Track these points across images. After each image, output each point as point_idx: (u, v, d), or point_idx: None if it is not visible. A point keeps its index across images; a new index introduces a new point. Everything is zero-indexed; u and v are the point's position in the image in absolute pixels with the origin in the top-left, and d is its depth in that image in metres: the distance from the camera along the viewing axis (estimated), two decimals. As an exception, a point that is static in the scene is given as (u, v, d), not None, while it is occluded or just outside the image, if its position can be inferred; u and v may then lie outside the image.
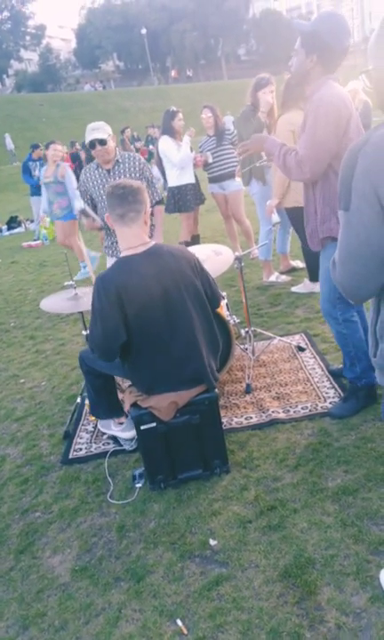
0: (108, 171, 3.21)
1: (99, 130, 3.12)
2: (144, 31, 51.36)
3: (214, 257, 2.92)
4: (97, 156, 3.17)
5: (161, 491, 2.38)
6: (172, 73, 54.19)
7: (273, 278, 4.75)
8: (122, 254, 2.18)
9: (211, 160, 5.18)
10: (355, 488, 2.13)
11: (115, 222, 2.14)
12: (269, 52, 51.44)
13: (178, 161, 5.03)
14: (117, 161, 3.22)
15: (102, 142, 3.10)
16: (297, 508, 2.10)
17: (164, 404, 2.20)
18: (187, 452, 2.34)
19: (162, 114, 5.25)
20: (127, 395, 2.37)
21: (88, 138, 3.13)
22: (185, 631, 1.71)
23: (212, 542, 2.04)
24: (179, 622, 1.75)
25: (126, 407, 2.34)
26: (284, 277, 4.77)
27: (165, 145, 5.05)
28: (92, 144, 3.11)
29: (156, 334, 2.14)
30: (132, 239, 2.15)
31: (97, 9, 59.66)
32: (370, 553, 1.83)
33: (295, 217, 3.95)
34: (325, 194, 2.23)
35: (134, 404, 2.29)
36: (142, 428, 2.27)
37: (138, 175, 3.22)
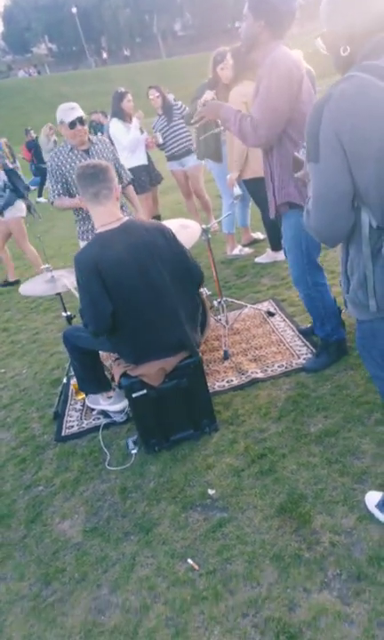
0: (86, 151, 3.21)
1: (76, 108, 3.11)
2: (74, 10, 49.69)
3: (182, 231, 3.04)
4: (76, 137, 3.15)
5: (156, 453, 2.53)
6: (104, 55, 52.72)
7: (236, 251, 4.91)
8: (97, 231, 2.28)
9: (161, 140, 5.25)
10: (335, 430, 2.34)
11: (88, 201, 2.23)
12: (205, 25, 50.88)
13: (127, 143, 5.08)
14: (92, 142, 3.24)
15: (82, 121, 3.11)
16: (285, 453, 2.30)
17: (153, 370, 2.34)
18: (177, 414, 2.49)
19: (103, 97, 5.25)
20: (115, 367, 2.49)
21: (69, 117, 3.08)
22: (196, 567, 1.89)
23: (211, 492, 2.22)
24: (189, 561, 1.92)
25: (116, 378, 2.46)
26: (246, 250, 4.94)
27: (115, 128, 5.08)
28: (74, 123, 3.08)
29: (137, 305, 2.27)
30: (106, 216, 2.25)
31: (22, -12, 57.22)
32: (355, 482, 2.04)
33: (254, 188, 4.10)
34: (282, 160, 2.33)
35: (124, 375, 2.42)
36: (134, 395, 2.40)
37: (111, 156, 3.28)
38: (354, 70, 1.23)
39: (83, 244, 3.51)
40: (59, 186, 3.26)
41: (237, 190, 3.95)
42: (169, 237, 2.33)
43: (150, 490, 2.33)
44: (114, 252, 2.18)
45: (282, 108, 2.21)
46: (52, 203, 3.35)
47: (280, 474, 2.20)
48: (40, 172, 12.54)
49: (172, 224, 3.21)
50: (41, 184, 12.41)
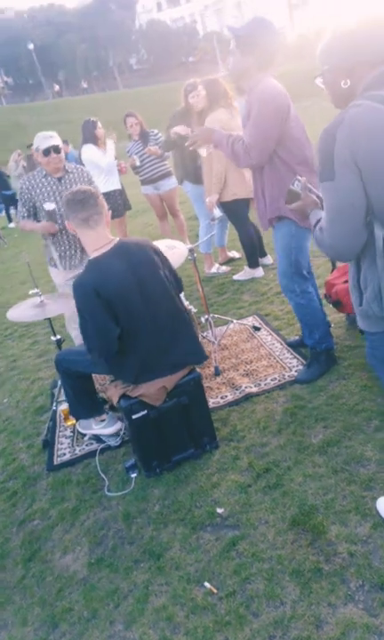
0: (59, 179, 3.23)
1: (54, 137, 3.15)
2: (31, 46, 50.39)
3: (170, 251, 3.04)
4: (50, 164, 3.17)
5: (157, 476, 2.46)
6: (55, 87, 53.17)
7: (214, 270, 4.95)
8: (91, 256, 2.26)
9: (138, 163, 5.31)
10: (337, 439, 2.34)
11: (79, 226, 2.20)
12: (160, 60, 52.35)
13: (106, 165, 5.14)
14: (67, 170, 3.26)
15: (57, 150, 3.13)
16: (290, 466, 2.28)
17: (154, 389, 2.30)
18: (177, 434, 2.44)
19: (62, 127, 5.32)
20: (113, 389, 2.44)
21: (43, 145, 3.12)
22: (215, 590, 1.82)
23: (219, 510, 2.16)
24: (207, 584, 1.85)
25: (114, 400, 2.40)
26: (224, 268, 4.99)
27: (90, 152, 5.12)
28: (48, 151, 3.11)
29: (140, 324, 2.24)
30: (98, 240, 2.23)
31: (-23, 26, 57.69)
32: (363, 490, 2.03)
33: (232, 210, 4.17)
34: (273, 177, 2.46)
35: (123, 396, 2.37)
36: (134, 417, 2.34)
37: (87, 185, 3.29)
38: (360, 99, 1.30)
39: (52, 270, 3.47)
40: (25, 209, 3.30)
41: (218, 212, 4.00)
42: (159, 254, 2.33)
43: (156, 513, 2.26)
44: (113, 276, 2.16)
45: (271, 133, 2.37)
46: (18, 223, 3.36)
47: (288, 487, 2.17)
48: (4, 200, 12.52)
49: (160, 245, 3.22)
50: (6, 211, 12.37)
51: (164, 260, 2.37)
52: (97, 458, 2.71)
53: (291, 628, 1.62)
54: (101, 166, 5.13)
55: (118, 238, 2.31)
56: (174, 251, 3.06)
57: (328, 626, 1.59)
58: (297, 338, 3.24)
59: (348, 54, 1.34)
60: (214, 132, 2.50)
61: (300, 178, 1.51)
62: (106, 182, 5.24)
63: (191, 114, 4.43)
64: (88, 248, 2.26)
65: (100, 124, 5.27)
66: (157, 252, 2.33)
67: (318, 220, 1.46)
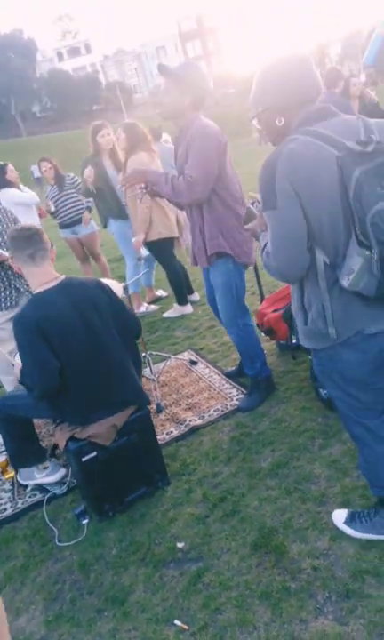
0: None
1: None
2: None
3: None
4: None
5: (110, 519, 2.40)
6: None
7: (143, 309, 5.02)
8: (35, 291, 2.24)
9: (53, 208, 5.34)
10: (285, 461, 2.43)
11: (24, 262, 2.20)
12: (63, 107, 53.20)
13: (29, 198, 5.20)
14: None
15: None
16: (244, 492, 2.32)
17: (104, 428, 2.27)
18: (128, 473, 2.41)
19: None
20: (59, 433, 2.37)
21: None
22: (186, 627, 1.79)
23: (180, 545, 2.15)
24: (177, 622, 1.82)
25: (61, 444, 2.34)
26: (152, 307, 5.07)
27: (10, 194, 5.09)
28: None
29: (86, 362, 2.23)
30: (43, 276, 2.23)
31: None
32: (317, 506, 2.12)
33: (158, 249, 4.30)
34: (212, 214, 2.57)
35: (70, 439, 2.31)
36: (84, 459, 2.29)
37: (12, 225, 3.26)
38: (294, 134, 1.46)
39: None
40: None
41: (144, 251, 4.11)
42: (108, 291, 2.36)
43: (114, 557, 2.19)
44: (56, 311, 2.15)
45: (212, 167, 2.49)
46: None
47: (245, 512, 2.21)
48: None
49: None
50: None
51: (115, 299, 2.40)
52: (44, 508, 2.58)
53: (268, 652, 1.63)
54: (27, 201, 5.15)
55: (64, 275, 2.32)
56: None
57: (303, 643, 1.63)
58: (234, 368, 3.36)
59: (280, 97, 1.50)
60: (148, 172, 2.58)
61: (259, 199, 1.62)
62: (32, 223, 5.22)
63: (101, 154, 4.59)
64: (33, 284, 2.26)
65: (11, 167, 5.26)
66: (107, 291, 2.36)
67: (266, 244, 1.59)
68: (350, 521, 1.95)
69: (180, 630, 1.79)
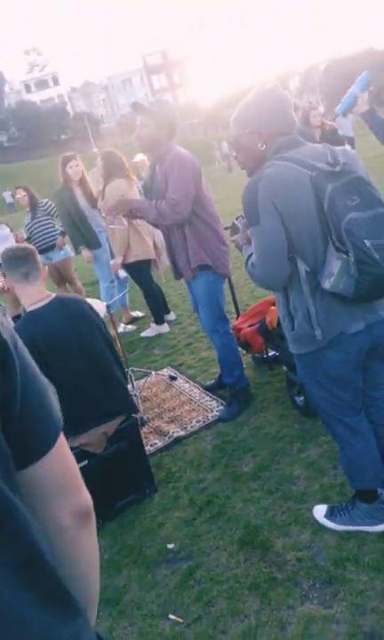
0: None
1: None
2: None
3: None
4: None
5: (100, 526, 2.48)
6: None
7: (120, 329, 5.14)
8: (28, 309, 2.36)
9: (25, 235, 5.50)
10: (266, 465, 2.57)
11: (18, 282, 2.32)
12: (32, 137, 53.70)
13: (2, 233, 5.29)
14: None
15: None
16: (229, 495, 2.45)
17: (95, 436, 2.37)
18: (118, 481, 2.51)
19: None
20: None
21: None
22: (180, 620, 1.89)
23: (170, 546, 2.25)
24: (171, 616, 1.91)
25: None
26: (130, 327, 5.21)
27: None
28: None
29: (78, 375, 2.34)
30: (36, 295, 2.35)
31: None
32: (299, 503, 2.27)
33: (136, 270, 4.48)
34: (193, 232, 2.81)
35: (62, 447, 2.40)
36: (75, 467, 2.38)
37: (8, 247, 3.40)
38: (272, 160, 1.67)
39: None
40: None
41: (123, 273, 4.27)
42: (92, 308, 2.50)
43: (106, 562, 2.27)
44: (50, 326, 2.27)
45: (191, 189, 2.74)
46: None
47: (230, 513, 2.33)
48: None
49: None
50: None
51: (98, 316, 2.54)
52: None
53: (258, 636, 1.74)
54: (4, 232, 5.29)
55: (55, 294, 2.45)
56: (96, 306, 3.23)
57: (291, 626, 1.75)
58: (213, 382, 3.51)
59: (269, 122, 1.70)
60: (131, 201, 2.84)
61: (243, 216, 1.82)
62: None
63: (72, 184, 4.79)
64: (26, 302, 2.37)
65: None
66: (92, 309, 2.50)
67: (250, 256, 1.77)
68: (330, 515, 2.10)
69: (174, 623, 1.89)
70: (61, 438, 0.72)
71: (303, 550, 2.03)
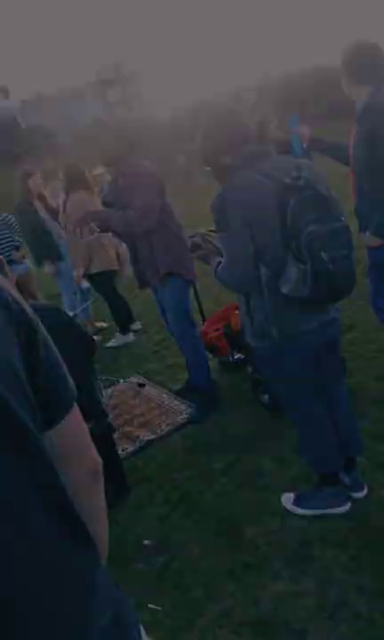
0: None
1: None
2: None
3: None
4: None
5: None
6: None
7: (86, 340, 5.19)
8: None
9: None
10: (236, 461, 2.71)
11: None
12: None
13: None
14: None
15: None
16: (202, 490, 2.57)
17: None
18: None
19: None
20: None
21: None
22: (159, 608, 1.98)
23: (146, 542, 2.34)
24: (150, 605, 2.00)
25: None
26: (95, 338, 5.26)
27: None
28: None
29: None
30: None
31: None
32: (268, 494, 2.41)
33: (100, 281, 4.56)
34: (160, 240, 2.96)
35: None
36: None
37: None
38: (242, 169, 1.82)
39: None
40: None
41: (86, 284, 4.35)
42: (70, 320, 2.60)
43: (85, 561, 2.33)
44: None
45: (155, 199, 2.92)
46: None
47: (203, 507, 2.45)
48: None
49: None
50: None
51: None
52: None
53: (235, 614, 1.86)
54: None
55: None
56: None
57: (264, 602, 1.88)
58: (181, 386, 3.62)
59: (221, 138, 1.88)
60: (98, 213, 2.97)
61: (200, 232, 1.97)
62: None
63: (31, 198, 4.85)
64: None
65: None
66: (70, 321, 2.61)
67: (218, 263, 1.92)
68: (297, 501, 2.25)
69: (154, 612, 1.97)
70: (74, 404, 0.82)
71: (273, 535, 2.16)
